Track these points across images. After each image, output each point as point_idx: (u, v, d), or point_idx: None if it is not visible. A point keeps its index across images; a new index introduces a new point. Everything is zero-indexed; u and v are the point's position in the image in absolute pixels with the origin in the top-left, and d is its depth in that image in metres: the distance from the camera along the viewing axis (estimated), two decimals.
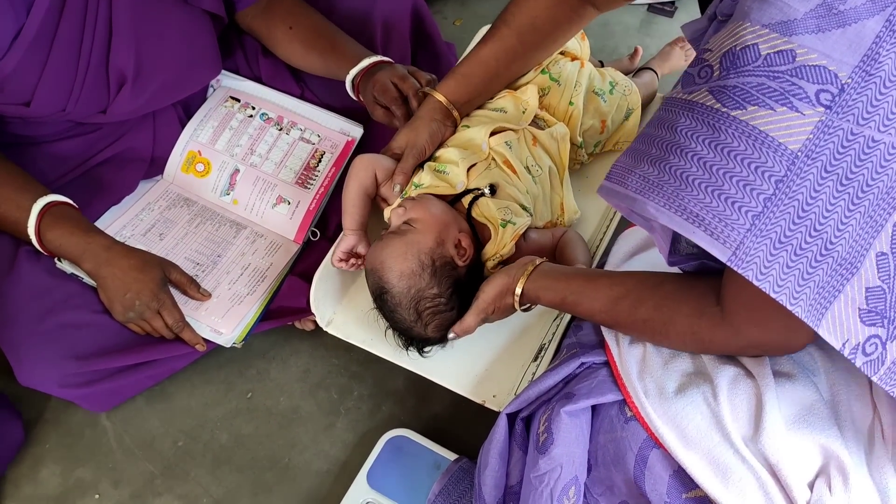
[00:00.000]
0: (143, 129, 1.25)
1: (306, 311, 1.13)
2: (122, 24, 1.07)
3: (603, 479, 0.81)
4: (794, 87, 0.57)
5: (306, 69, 1.27)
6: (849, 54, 0.56)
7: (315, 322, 1.17)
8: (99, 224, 1.18)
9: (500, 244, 1.03)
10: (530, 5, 1.03)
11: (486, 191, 1.06)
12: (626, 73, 1.34)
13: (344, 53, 1.20)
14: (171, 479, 1.13)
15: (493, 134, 1.09)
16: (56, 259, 1.09)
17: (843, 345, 0.61)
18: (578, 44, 1.24)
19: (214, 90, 1.32)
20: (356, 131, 1.28)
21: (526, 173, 1.09)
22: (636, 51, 1.54)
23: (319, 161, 1.26)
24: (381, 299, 1.01)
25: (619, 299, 0.82)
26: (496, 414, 0.94)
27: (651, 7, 1.73)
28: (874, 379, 0.62)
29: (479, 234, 1.05)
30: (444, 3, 1.81)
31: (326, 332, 1.12)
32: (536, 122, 1.15)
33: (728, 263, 0.60)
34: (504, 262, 1.04)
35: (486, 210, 1.04)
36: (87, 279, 1.09)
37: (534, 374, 1.00)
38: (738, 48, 0.60)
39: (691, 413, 0.73)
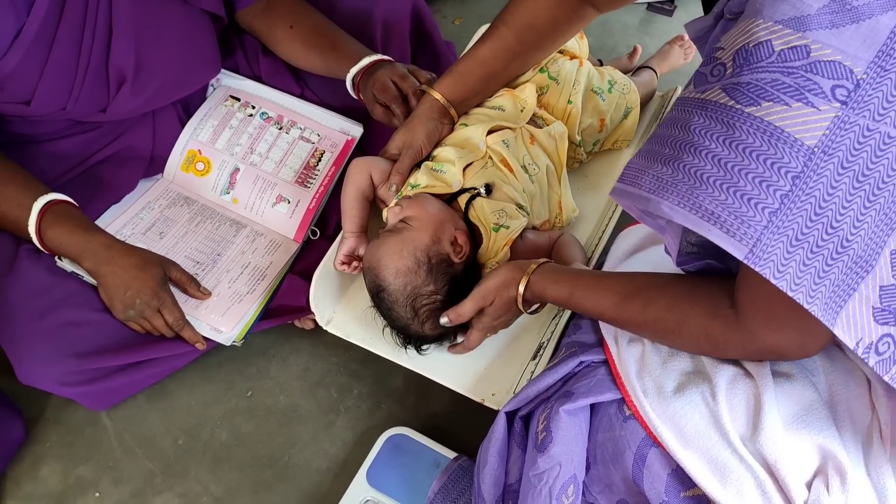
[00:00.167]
0: (142, 128, 1.25)
1: (306, 309, 1.13)
2: (122, 23, 1.07)
3: (601, 478, 0.82)
4: (809, 83, 0.57)
5: (307, 68, 1.27)
6: (863, 50, 0.56)
7: (315, 321, 1.17)
8: (99, 223, 1.18)
9: (492, 248, 1.04)
10: (530, 5, 1.03)
11: (482, 190, 1.06)
12: (625, 72, 1.34)
13: (344, 52, 1.20)
14: (171, 478, 1.13)
15: (490, 132, 1.10)
16: (56, 257, 1.09)
17: (857, 344, 0.61)
18: (577, 42, 1.24)
19: (214, 89, 1.32)
20: (356, 130, 1.29)
21: (523, 172, 1.09)
22: (635, 49, 1.54)
23: (319, 160, 1.26)
24: (378, 297, 1.01)
25: (630, 297, 0.81)
26: (495, 412, 0.94)
27: (650, 6, 1.73)
28: (886, 378, 0.62)
29: (475, 233, 1.06)
30: (443, 2, 1.81)
31: (326, 330, 1.12)
32: (535, 121, 1.15)
33: (745, 261, 0.59)
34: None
35: (480, 212, 1.05)
36: (87, 277, 1.09)
37: (532, 372, 1.00)
38: (751, 45, 0.59)
39: (690, 412, 0.73)
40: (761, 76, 0.58)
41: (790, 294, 0.59)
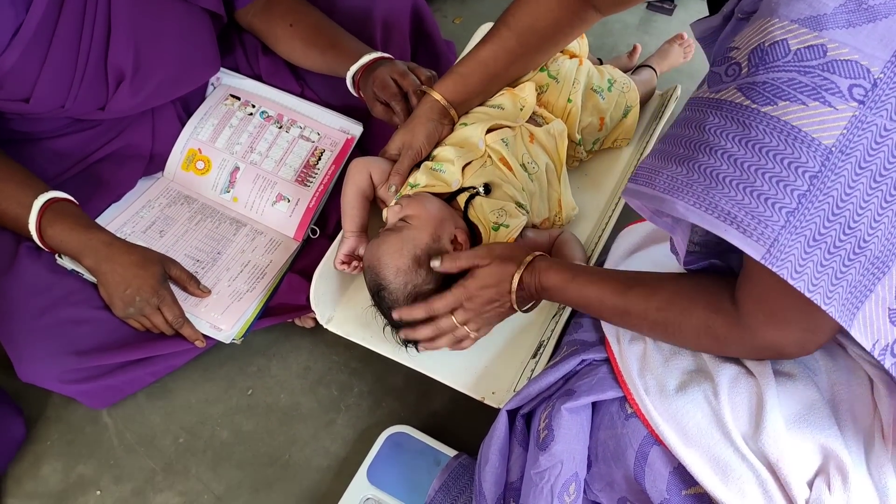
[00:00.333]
0: (141, 126, 1.25)
1: (306, 308, 1.13)
2: (121, 21, 1.07)
3: (603, 475, 0.82)
4: (826, 82, 0.56)
5: (307, 66, 1.27)
6: (880, 49, 0.55)
7: (315, 319, 1.17)
8: (99, 221, 1.18)
9: None
10: (532, 7, 1.03)
11: (481, 190, 1.06)
12: (625, 71, 1.34)
13: (344, 50, 1.20)
14: (172, 476, 1.14)
15: (489, 131, 1.10)
16: (56, 255, 1.09)
17: (874, 345, 0.61)
18: (577, 41, 1.24)
19: (214, 88, 1.32)
20: (356, 129, 1.29)
21: (522, 170, 1.09)
22: (635, 48, 1.54)
23: (319, 159, 1.26)
24: (379, 296, 1.01)
25: (633, 285, 0.80)
26: (495, 410, 0.94)
27: (650, 5, 1.73)
28: None
29: (475, 232, 1.06)
30: (443, 1, 1.81)
31: (327, 329, 1.12)
32: (534, 119, 1.15)
33: (762, 262, 0.59)
34: None
35: (479, 211, 1.05)
36: (87, 275, 1.09)
37: (532, 370, 1.00)
38: (766, 44, 0.59)
39: (692, 410, 0.73)
40: (777, 75, 0.58)
41: (808, 295, 0.59)
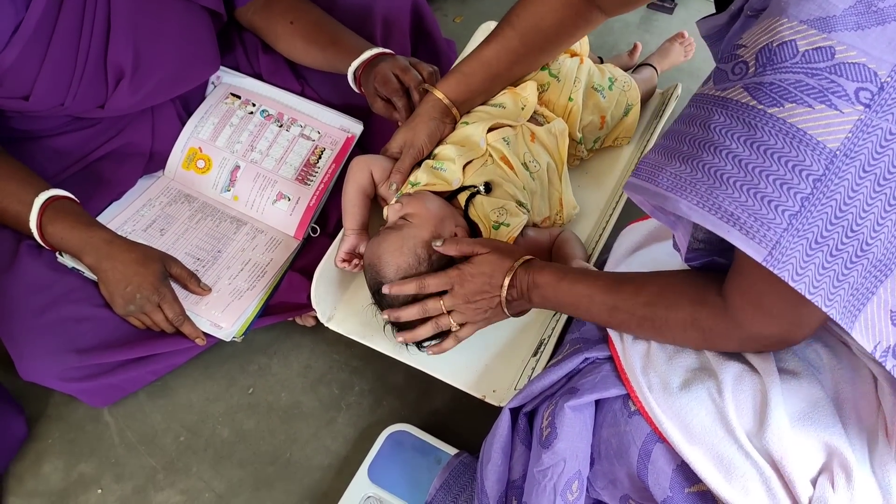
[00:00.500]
0: (142, 125, 1.25)
1: (307, 306, 1.13)
2: (121, 19, 1.07)
3: (606, 473, 0.82)
4: (833, 85, 0.56)
5: (308, 64, 1.27)
6: (888, 52, 0.55)
7: (316, 318, 1.17)
8: (100, 220, 1.18)
9: None
10: (536, 7, 1.03)
11: (481, 188, 1.06)
12: (626, 69, 1.34)
13: (345, 46, 1.20)
14: (173, 474, 1.14)
15: (491, 130, 1.10)
16: (57, 253, 1.09)
17: (875, 347, 0.61)
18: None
19: (215, 87, 1.32)
20: (356, 128, 1.29)
21: (523, 169, 1.09)
22: (635, 47, 1.54)
23: (319, 157, 1.26)
24: (380, 294, 1.01)
25: (622, 282, 0.81)
26: (496, 408, 0.94)
27: (651, 4, 1.73)
28: None
29: (475, 231, 1.06)
30: (444, 0, 1.81)
31: (327, 327, 1.12)
32: (535, 118, 1.15)
33: (763, 263, 0.59)
34: None
35: (480, 209, 1.05)
36: (87, 273, 1.09)
37: (533, 369, 1.00)
38: (774, 44, 0.58)
39: (696, 408, 0.73)
40: (785, 76, 0.57)
41: (809, 297, 0.59)
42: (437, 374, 1.05)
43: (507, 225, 1.04)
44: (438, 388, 1.08)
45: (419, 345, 1.05)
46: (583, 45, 1.24)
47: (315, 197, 1.23)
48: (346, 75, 1.18)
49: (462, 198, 1.06)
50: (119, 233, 1.15)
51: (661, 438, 0.74)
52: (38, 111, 1.10)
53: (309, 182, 1.24)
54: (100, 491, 1.12)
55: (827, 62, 0.56)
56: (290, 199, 1.24)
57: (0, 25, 0.98)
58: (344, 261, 1.09)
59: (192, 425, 1.18)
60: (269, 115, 1.29)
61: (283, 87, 1.32)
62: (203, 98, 1.32)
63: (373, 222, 1.12)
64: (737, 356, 0.77)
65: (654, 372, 0.77)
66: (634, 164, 1.19)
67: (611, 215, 1.14)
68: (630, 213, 1.10)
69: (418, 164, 1.09)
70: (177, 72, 1.19)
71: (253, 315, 1.17)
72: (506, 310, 0.94)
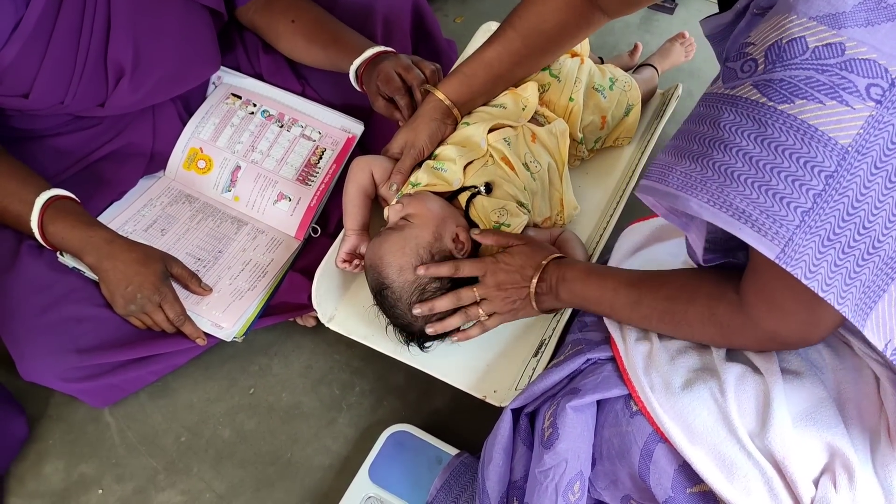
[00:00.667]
0: (142, 125, 1.25)
1: (307, 306, 1.13)
2: (121, 16, 1.07)
3: (607, 473, 0.82)
4: (843, 81, 0.56)
5: (309, 63, 1.27)
6: None
7: (317, 318, 1.17)
8: (101, 220, 1.18)
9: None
10: (538, 9, 1.02)
11: (482, 189, 1.06)
12: (626, 70, 1.34)
13: (347, 45, 1.20)
14: (174, 475, 1.14)
15: (491, 130, 1.10)
16: (58, 253, 1.09)
17: (886, 345, 0.61)
18: None
19: (216, 87, 1.32)
20: (357, 128, 1.29)
21: (524, 170, 1.09)
22: (636, 47, 1.54)
23: (320, 158, 1.26)
24: (382, 295, 1.01)
25: (644, 279, 0.82)
26: (497, 409, 0.94)
27: (651, 4, 1.73)
28: None
29: None
30: (444, 0, 1.81)
31: (328, 328, 1.12)
32: (536, 119, 1.15)
33: (776, 261, 0.59)
34: None
35: (480, 210, 1.05)
36: (88, 273, 1.09)
37: (534, 369, 1.00)
38: (784, 41, 0.58)
39: (698, 408, 0.73)
40: (795, 73, 0.57)
41: (822, 295, 0.59)
42: (437, 374, 1.05)
43: (508, 225, 1.04)
44: (439, 388, 1.08)
45: (421, 345, 1.06)
46: (583, 45, 1.24)
47: (316, 197, 1.23)
48: (348, 74, 1.18)
49: (463, 198, 1.06)
50: (120, 233, 1.15)
51: (663, 439, 0.74)
52: (39, 109, 1.10)
53: (310, 182, 1.24)
54: (100, 491, 1.12)
55: (837, 58, 0.56)
56: (290, 200, 1.24)
57: (0, 23, 0.98)
58: (345, 261, 1.09)
59: (193, 426, 1.18)
60: (269, 115, 1.29)
61: (283, 88, 1.32)
62: (204, 98, 1.32)
63: (374, 223, 1.12)
64: (740, 356, 0.77)
65: (656, 372, 0.77)
66: (635, 165, 1.19)
67: (611, 216, 1.14)
68: (631, 214, 1.11)
69: (419, 165, 1.09)
70: (177, 70, 1.19)
71: (254, 315, 1.17)
72: (534, 302, 0.95)
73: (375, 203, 1.12)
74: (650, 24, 1.71)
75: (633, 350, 0.81)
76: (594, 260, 1.09)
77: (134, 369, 1.11)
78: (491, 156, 1.09)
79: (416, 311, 0.99)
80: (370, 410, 1.19)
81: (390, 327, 1.06)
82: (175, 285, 1.13)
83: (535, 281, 0.94)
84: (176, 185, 1.29)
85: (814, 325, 0.67)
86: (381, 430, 1.12)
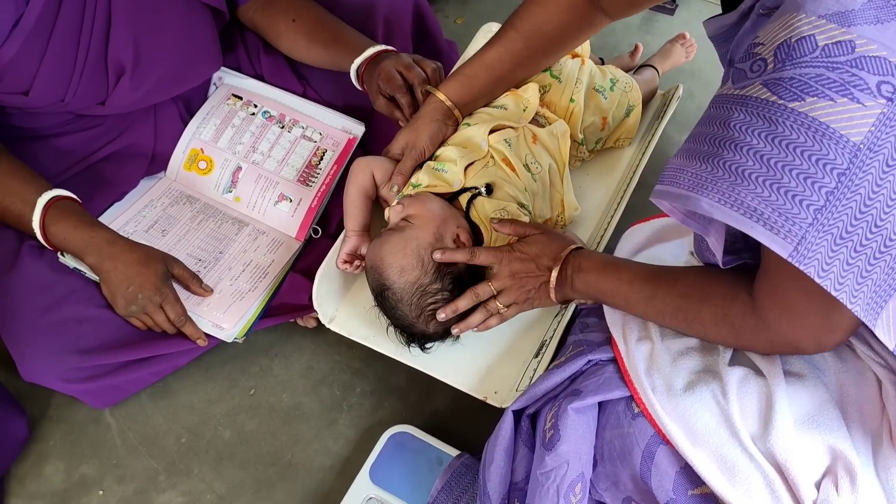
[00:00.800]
0: (144, 125, 1.25)
1: (308, 307, 1.13)
2: (121, 14, 1.07)
3: (608, 475, 0.82)
4: (854, 78, 0.56)
5: (310, 62, 1.27)
6: None
7: (317, 319, 1.17)
8: (102, 220, 1.18)
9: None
10: (540, 10, 1.02)
11: (482, 190, 1.06)
12: (627, 71, 1.34)
13: (348, 44, 1.20)
14: (174, 476, 1.14)
15: (492, 131, 1.10)
16: (59, 253, 1.09)
17: None
18: None
19: (217, 88, 1.32)
20: (358, 129, 1.29)
21: (525, 171, 1.09)
22: (637, 48, 1.54)
23: (321, 159, 1.26)
24: (382, 296, 1.01)
25: (660, 274, 0.82)
26: (498, 410, 0.94)
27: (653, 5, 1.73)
28: None
29: (477, 233, 1.06)
30: (445, 1, 1.81)
31: (329, 329, 1.12)
32: (537, 120, 1.15)
33: (789, 259, 0.58)
34: None
35: (481, 211, 1.05)
36: (89, 274, 1.09)
37: (535, 370, 1.00)
38: (793, 40, 0.58)
39: (700, 410, 0.73)
40: (805, 71, 0.57)
41: (834, 294, 0.58)
42: (438, 375, 1.05)
43: None
44: (440, 389, 1.08)
45: (422, 346, 1.06)
46: (584, 46, 1.24)
47: (317, 198, 1.23)
48: (349, 73, 1.18)
49: (463, 199, 1.06)
50: (121, 233, 1.15)
51: (665, 440, 0.74)
52: (39, 107, 1.10)
53: (311, 183, 1.24)
54: (101, 492, 1.12)
55: (847, 56, 0.56)
56: (291, 201, 1.24)
57: (0, 20, 0.98)
58: (345, 262, 1.10)
59: (194, 427, 1.18)
60: (270, 116, 1.29)
61: (284, 88, 1.32)
62: (205, 99, 1.32)
63: (374, 224, 1.12)
64: (742, 358, 0.77)
65: (658, 374, 0.77)
66: (636, 166, 1.19)
67: (612, 217, 1.14)
68: (632, 215, 1.11)
69: (420, 166, 1.09)
70: (178, 69, 1.19)
71: (254, 316, 1.17)
72: (553, 291, 0.95)
73: (376, 204, 1.12)
74: (651, 24, 1.71)
75: (635, 351, 0.80)
76: None
77: (135, 370, 1.11)
78: (492, 157, 1.09)
79: (441, 316, 0.99)
80: (371, 411, 1.19)
81: (391, 328, 1.06)
82: (176, 286, 1.13)
83: (555, 272, 0.93)
84: (177, 186, 1.29)
85: (829, 329, 0.67)
86: (381, 431, 1.12)
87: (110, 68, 1.10)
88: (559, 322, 1.03)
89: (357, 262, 1.10)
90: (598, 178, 1.26)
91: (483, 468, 0.91)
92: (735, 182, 0.60)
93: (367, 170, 1.08)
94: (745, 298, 0.71)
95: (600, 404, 0.82)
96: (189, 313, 1.12)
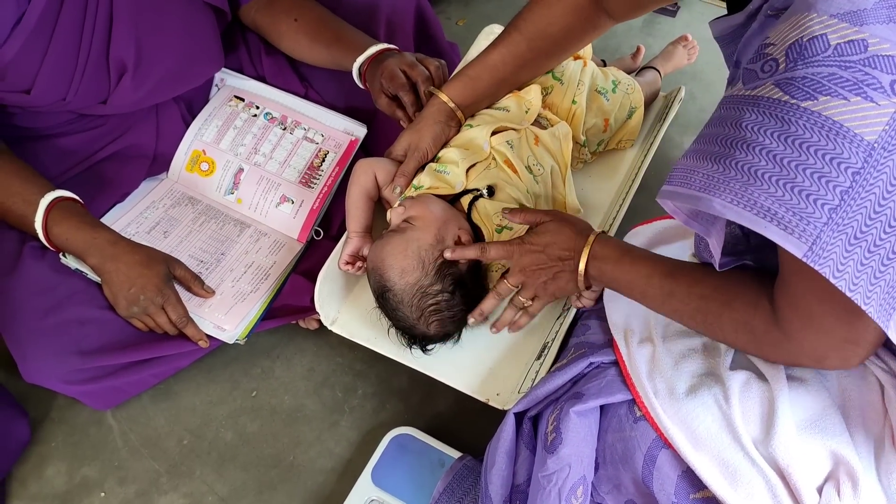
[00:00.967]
0: (145, 126, 1.25)
1: (310, 309, 1.13)
2: (123, 13, 1.07)
3: (610, 478, 0.82)
4: (867, 77, 0.55)
5: (312, 61, 1.27)
6: None
7: (319, 321, 1.17)
8: (104, 221, 1.18)
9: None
10: (544, 12, 1.02)
11: (484, 192, 1.06)
12: (629, 72, 1.34)
13: (350, 43, 1.20)
14: (176, 478, 1.14)
15: (494, 133, 1.10)
16: (61, 254, 1.09)
17: None
18: None
19: (219, 89, 1.33)
20: (360, 131, 1.29)
21: (527, 173, 1.09)
22: (639, 50, 1.54)
23: (323, 160, 1.26)
24: (384, 297, 1.01)
25: (680, 271, 0.80)
26: (500, 412, 0.94)
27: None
28: None
29: (478, 235, 1.06)
30: (447, 2, 1.81)
31: (331, 330, 1.12)
32: (539, 121, 1.15)
33: (804, 259, 0.58)
34: (508, 269, 1.03)
35: (483, 213, 1.05)
36: (91, 275, 1.09)
37: (537, 372, 1.00)
38: (805, 39, 0.58)
39: (702, 414, 0.73)
40: (817, 70, 0.57)
41: (849, 294, 0.58)
42: (440, 377, 1.05)
43: (510, 228, 1.04)
44: (442, 391, 1.08)
45: (424, 348, 1.06)
46: (586, 48, 1.24)
47: (318, 200, 1.23)
48: (351, 73, 1.18)
49: (465, 201, 1.06)
50: (123, 235, 1.15)
51: (667, 444, 0.74)
52: (41, 106, 1.10)
53: (312, 185, 1.24)
54: (103, 494, 1.12)
55: (860, 55, 0.55)
56: (293, 202, 1.24)
57: (2, 18, 0.98)
58: (347, 263, 1.09)
59: (196, 428, 1.18)
60: (272, 117, 1.29)
61: (286, 90, 1.32)
62: (207, 100, 1.32)
63: (376, 225, 1.12)
64: (745, 362, 0.77)
65: (660, 377, 0.77)
66: (638, 168, 1.19)
67: (615, 218, 1.14)
68: (634, 217, 1.11)
69: (422, 168, 1.09)
70: (179, 69, 1.19)
71: (256, 318, 1.17)
72: (580, 278, 0.91)
73: (378, 205, 1.12)
74: (653, 26, 1.71)
75: (636, 354, 0.80)
76: None
77: (136, 371, 1.11)
78: (494, 159, 1.09)
79: (471, 321, 1.03)
80: (373, 413, 1.19)
81: (393, 330, 1.06)
82: (178, 288, 1.13)
83: (585, 254, 0.89)
84: (179, 188, 1.29)
85: (852, 342, 0.66)
86: (383, 433, 1.12)
87: (112, 67, 1.10)
88: (561, 324, 1.03)
89: (359, 264, 1.10)
90: (600, 179, 1.26)
91: (485, 470, 0.91)
92: (748, 182, 0.60)
93: (370, 171, 1.08)
94: (767, 307, 0.70)
95: (602, 407, 0.82)
96: (191, 315, 1.12)
